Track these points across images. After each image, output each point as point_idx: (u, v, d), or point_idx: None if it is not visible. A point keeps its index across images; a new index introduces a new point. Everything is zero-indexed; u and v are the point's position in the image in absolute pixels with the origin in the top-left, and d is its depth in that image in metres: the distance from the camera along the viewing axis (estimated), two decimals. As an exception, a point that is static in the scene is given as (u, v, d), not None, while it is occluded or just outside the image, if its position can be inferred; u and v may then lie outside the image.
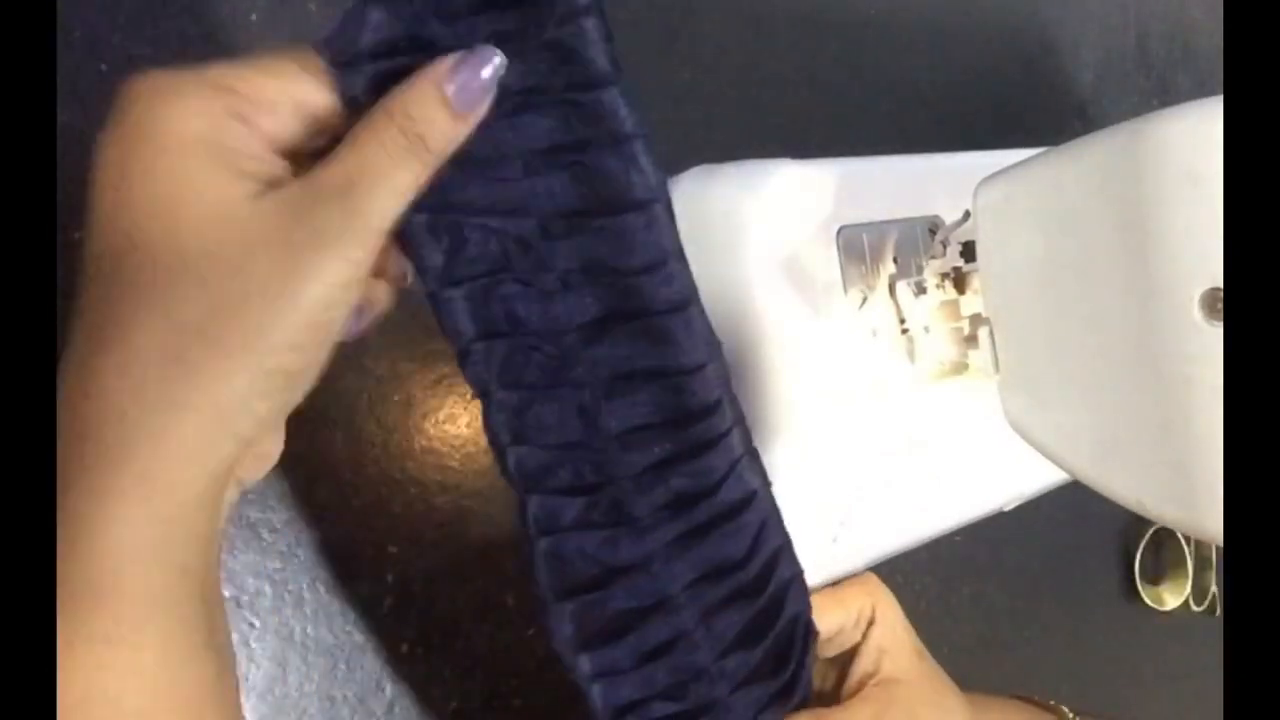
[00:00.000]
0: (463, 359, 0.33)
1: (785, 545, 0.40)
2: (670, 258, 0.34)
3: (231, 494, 0.29)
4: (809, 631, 0.42)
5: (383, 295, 0.32)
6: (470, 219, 0.32)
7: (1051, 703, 0.49)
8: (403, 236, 0.31)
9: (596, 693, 0.37)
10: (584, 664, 0.37)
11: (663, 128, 0.51)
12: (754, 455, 0.39)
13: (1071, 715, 0.48)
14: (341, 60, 0.29)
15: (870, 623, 0.43)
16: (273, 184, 0.27)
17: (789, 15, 0.57)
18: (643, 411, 0.35)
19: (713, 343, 0.36)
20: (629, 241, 0.33)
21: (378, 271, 0.31)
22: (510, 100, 0.31)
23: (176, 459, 0.26)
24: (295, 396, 0.28)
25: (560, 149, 0.32)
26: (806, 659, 0.41)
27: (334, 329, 0.28)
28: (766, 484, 0.39)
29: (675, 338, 0.35)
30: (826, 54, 0.58)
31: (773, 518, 0.40)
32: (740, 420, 0.38)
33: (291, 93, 0.27)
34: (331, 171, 0.27)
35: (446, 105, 0.28)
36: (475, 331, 0.33)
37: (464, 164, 0.31)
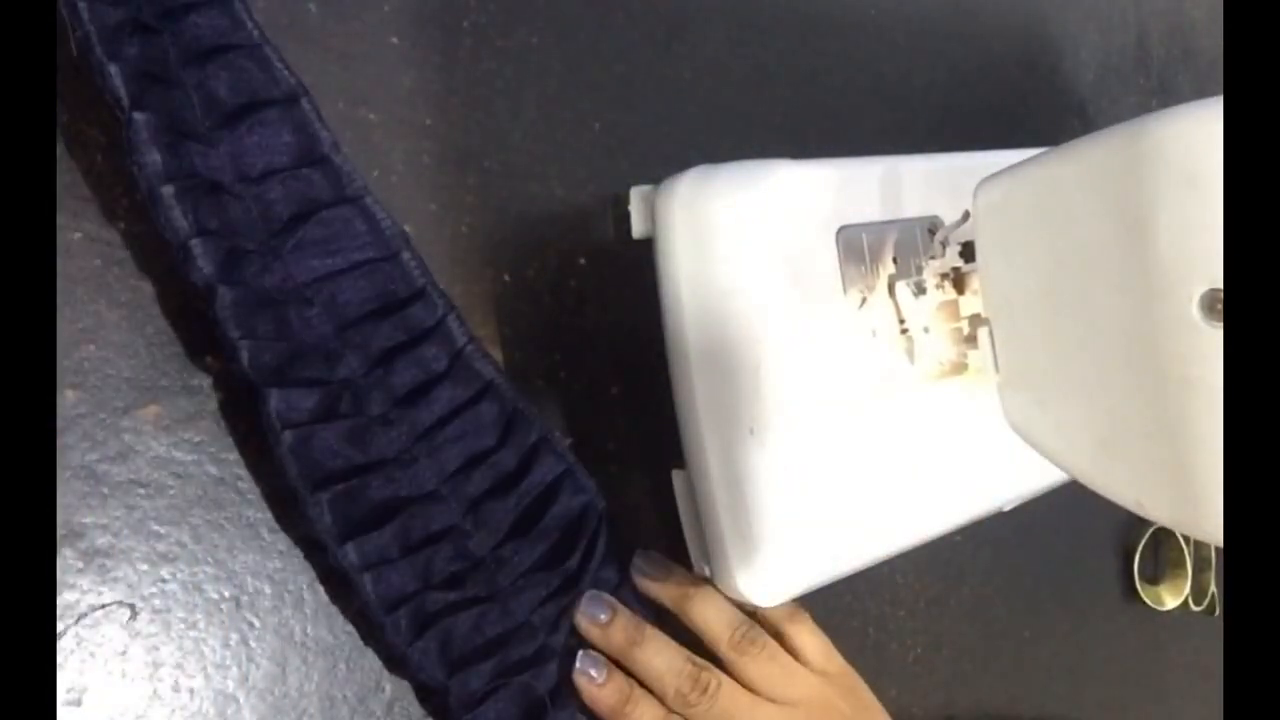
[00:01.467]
0: (183, 255, 0.34)
1: (544, 439, 0.40)
2: (325, 151, 0.37)
3: None
4: (600, 521, 0.42)
5: None
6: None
7: None
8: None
9: (367, 583, 0.36)
10: (350, 554, 0.36)
11: (663, 127, 0.51)
12: (479, 345, 0.39)
13: None
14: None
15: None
16: None
17: (789, 15, 0.57)
18: (354, 301, 0.37)
19: (400, 234, 0.38)
20: (275, 137, 0.36)
21: None
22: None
23: None
24: None
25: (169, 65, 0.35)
26: (596, 547, 0.41)
27: None
28: (502, 374, 0.40)
29: (356, 229, 0.37)
30: (827, 54, 0.58)
31: (521, 411, 0.40)
32: (453, 309, 0.39)
33: None
34: None
35: None
36: (192, 228, 0.34)
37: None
